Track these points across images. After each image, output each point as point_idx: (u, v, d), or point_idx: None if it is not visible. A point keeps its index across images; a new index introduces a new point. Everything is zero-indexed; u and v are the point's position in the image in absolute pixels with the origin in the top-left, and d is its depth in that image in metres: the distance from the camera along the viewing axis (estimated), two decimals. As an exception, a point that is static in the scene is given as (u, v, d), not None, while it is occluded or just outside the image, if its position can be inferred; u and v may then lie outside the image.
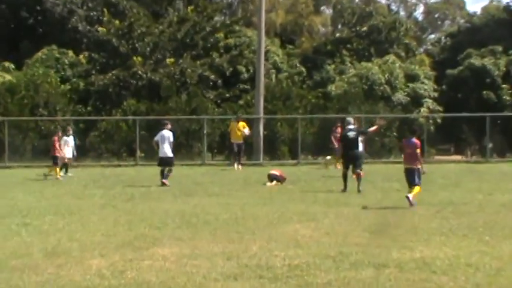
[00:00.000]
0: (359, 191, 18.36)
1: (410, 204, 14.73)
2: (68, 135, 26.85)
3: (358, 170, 18.83)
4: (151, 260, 9.20)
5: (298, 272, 8.33)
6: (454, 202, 15.78)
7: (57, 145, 25.29)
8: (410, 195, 14.93)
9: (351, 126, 19.64)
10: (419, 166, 15.50)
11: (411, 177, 15.37)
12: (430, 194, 17.53)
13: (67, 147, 26.44)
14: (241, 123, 29.27)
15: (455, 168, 26.50)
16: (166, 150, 21.61)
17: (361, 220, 12.78)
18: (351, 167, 19.12)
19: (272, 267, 8.63)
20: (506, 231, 11.37)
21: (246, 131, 29.17)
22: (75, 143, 27.61)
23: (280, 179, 21.20)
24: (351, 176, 18.78)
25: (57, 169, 24.92)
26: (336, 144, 26.54)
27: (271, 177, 21.35)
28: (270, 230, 11.71)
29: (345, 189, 18.67)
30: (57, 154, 25.11)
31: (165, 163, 21.66)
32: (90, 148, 37.03)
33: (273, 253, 9.53)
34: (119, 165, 32.90)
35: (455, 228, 11.71)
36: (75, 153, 27.34)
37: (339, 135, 26.65)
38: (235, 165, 28.56)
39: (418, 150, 15.57)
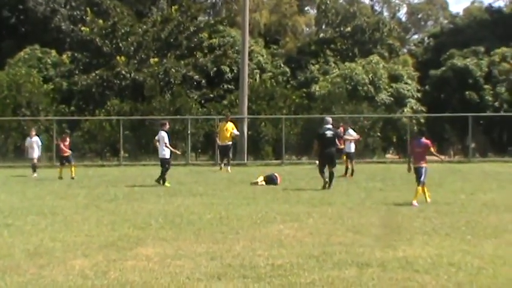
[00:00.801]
0: (329, 186, 19.39)
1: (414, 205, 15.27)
2: (31, 137, 26.85)
3: (332, 169, 19.73)
4: (134, 260, 9.18)
5: (281, 272, 8.34)
6: (437, 202, 15.87)
7: (61, 146, 25.61)
8: (415, 202, 15.46)
9: (329, 126, 20.20)
10: (426, 165, 16.14)
11: (419, 176, 15.95)
12: (413, 194, 17.63)
13: (31, 149, 26.59)
14: (230, 124, 28.14)
15: (438, 168, 26.57)
16: (161, 151, 21.45)
17: (344, 220, 12.82)
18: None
19: (256, 267, 8.65)
20: (488, 231, 11.45)
21: (235, 131, 28.23)
22: (42, 144, 27.50)
23: (271, 182, 21.23)
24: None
25: (73, 168, 24.91)
26: (340, 144, 26.80)
27: (268, 177, 21.50)
28: (254, 230, 11.73)
29: (324, 186, 19.43)
30: (62, 154, 25.50)
31: (161, 164, 21.64)
32: (73, 148, 36.74)
33: (257, 253, 9.55)
34: (103, 165, 32.79)
35: (437, 228, 11.78)
36: (39, 153, 27.13)
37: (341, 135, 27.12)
38: (223, 166, 27.49)
39: (432, 149, 16.57)
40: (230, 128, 27.76)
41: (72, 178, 23.97)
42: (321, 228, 11.86)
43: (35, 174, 25.84)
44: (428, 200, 15.79)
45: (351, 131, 25.47)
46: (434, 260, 8.98)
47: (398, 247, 9.87)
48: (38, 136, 27.63)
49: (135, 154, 35.79)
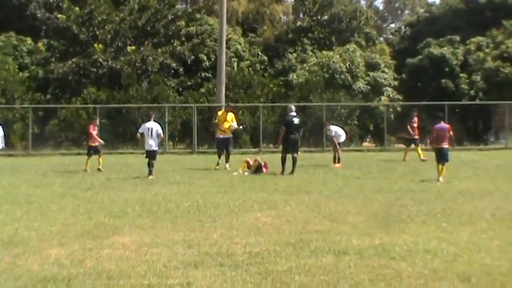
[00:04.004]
0: (293, 172, 20.24)
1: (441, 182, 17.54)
2: None
3: (296, 155, 20.70)
4: (111, 248, 9.13)
5: (258, 260, 8.34)
6: (413, 189, 15.96)
7: (94, 134, 23.60)
8: (441, 178, 17.75)
9: (294, 113, 21.21)
10: (448, 146, 18.64)
11: (444, 156, 18.31)
12: (390, 182, 17.77)
13: None
14: (231, 114, 23.86)
15: (415, 156, 26.75)
16: (152, 143, 20.10)
17: (321, 208, 12.84)
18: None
19: (233, 254, 8.64)
20: (463, 218, 11.53)
21: (235, 124, 23.76)
22: (4, 133, 24.93)
23: (258, 170, 21.23)
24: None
25: (100, 159, 23.07)
26: (414, 134, 26.74)
27: (259, 167, 21.38)
28: (231, 218, 11.72)
29: (283, 173, 20.27)
30: (92, 143, 23.47)
31: (150, 156, 20.20)
32: (49, 136, 36.68)
33: (234, 241, 9.54)
34: (79, 154, 32.56)
35: (414, 215, 11.84)
36: (3, 144, 24.56)
37: (415, 124, 26.89)
38: (223, 163, 22.96)
39: (452, 133, 18.76)
40: (230, 119, 23.58)
41: (99, 170, 22.36)
42: (298, 216, 11.88)
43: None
44: (441, 179, 17.69)
45: (332, 127, 25.21)
46: (410, 247, 9.03)
47: (375, 235, 9.90)
48: (1, 125, 25.19)
49: (112, 142, 35.61)
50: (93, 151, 23.40)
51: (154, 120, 20.58)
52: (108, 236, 10.09)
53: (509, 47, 50.79)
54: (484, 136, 50.36)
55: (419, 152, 26.96)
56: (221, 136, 23.38)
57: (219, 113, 24.51)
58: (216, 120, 24.02)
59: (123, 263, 8.28)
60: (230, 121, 23.51)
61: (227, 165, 22.87)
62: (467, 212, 12.20)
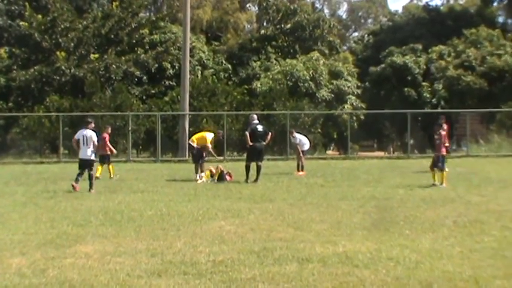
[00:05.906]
0: (257, 180, 20.36)
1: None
2: None
3: (260, 163, 20.84)
4: (73, 258, 9.06)
5: (222, 268, 8.34)
6: (377, 197, 16.07)
7: (108, 143, 23.31)
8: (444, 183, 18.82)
9: (257, 121, 21.46)
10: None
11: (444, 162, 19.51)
12: (353, 190, 17.87)
13: None
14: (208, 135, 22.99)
15: (378, 164, 26.99)
16: (87, 152, 18.60)
17: (285, 216, 12.87)
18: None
19: (197, 263, 8.63)
20: (425, 225, 11.64)
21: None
22: None
23: (222, 178, 21.21)
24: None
25: (110, 167, 22.99)
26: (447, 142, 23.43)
27: (221, 174, 21.40)
28: (195, 226, 11.70)
29: (247, 181, 20.45)
30: (105, 152, 23.09)
31: (84, 165, 18.68)
32: (11, 145, 36.26)
33: (198, 249, 9.53)
34: (42, 162, 32.27)
35: (377, 223, 11.94)
36: None
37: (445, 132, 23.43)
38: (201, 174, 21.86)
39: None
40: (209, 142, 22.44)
41: (111, 177, 22.37)
42: (262, 224, 11.90)
43: None
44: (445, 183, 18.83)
45: (297, 135, 25.26)
46: (373, 255, 9.09)
47: (339, 242, 9.96)
48: None
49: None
50: (107, 159, 23.35)
51: (93, 130, 19.05)
52: (71, 245, 10.00)
53: (470, 56, 51.53)
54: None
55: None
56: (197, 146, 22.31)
57: (211, 138, 22.70)
58: (210, 142, 22.54)
59: (86, 272, 8.21)
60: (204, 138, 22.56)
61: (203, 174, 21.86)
62: (430, 219, 12.32)
